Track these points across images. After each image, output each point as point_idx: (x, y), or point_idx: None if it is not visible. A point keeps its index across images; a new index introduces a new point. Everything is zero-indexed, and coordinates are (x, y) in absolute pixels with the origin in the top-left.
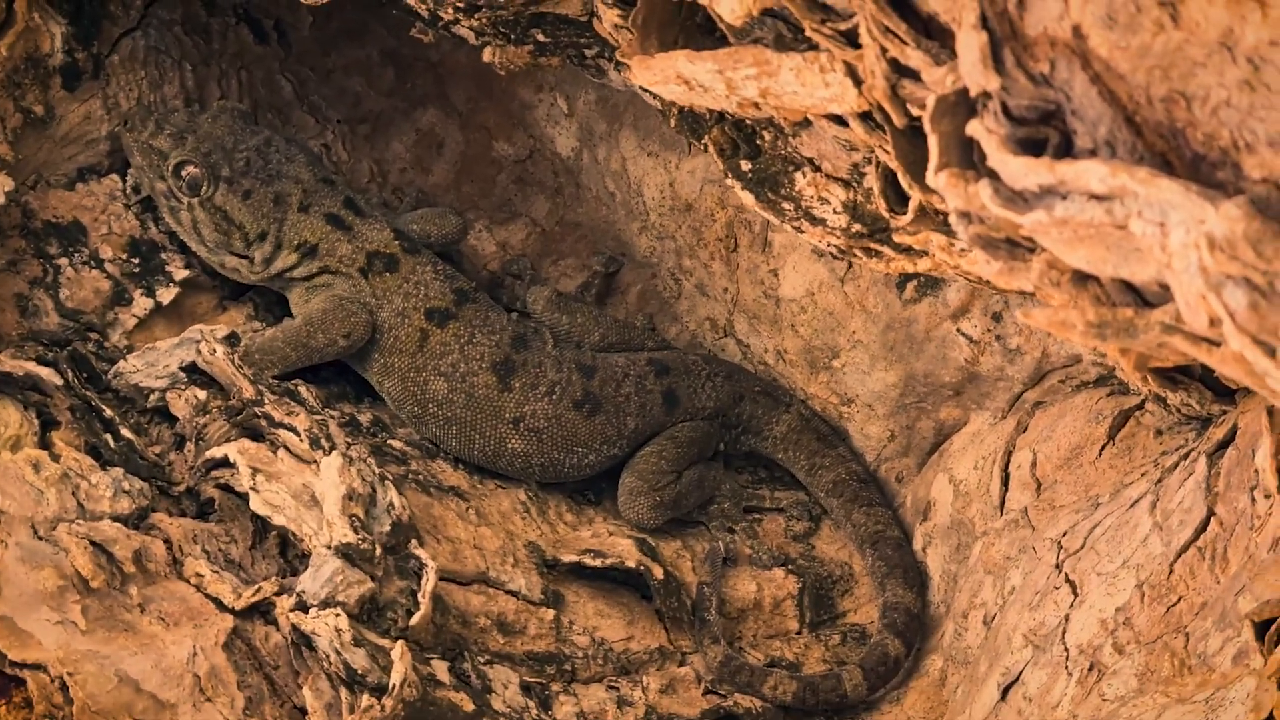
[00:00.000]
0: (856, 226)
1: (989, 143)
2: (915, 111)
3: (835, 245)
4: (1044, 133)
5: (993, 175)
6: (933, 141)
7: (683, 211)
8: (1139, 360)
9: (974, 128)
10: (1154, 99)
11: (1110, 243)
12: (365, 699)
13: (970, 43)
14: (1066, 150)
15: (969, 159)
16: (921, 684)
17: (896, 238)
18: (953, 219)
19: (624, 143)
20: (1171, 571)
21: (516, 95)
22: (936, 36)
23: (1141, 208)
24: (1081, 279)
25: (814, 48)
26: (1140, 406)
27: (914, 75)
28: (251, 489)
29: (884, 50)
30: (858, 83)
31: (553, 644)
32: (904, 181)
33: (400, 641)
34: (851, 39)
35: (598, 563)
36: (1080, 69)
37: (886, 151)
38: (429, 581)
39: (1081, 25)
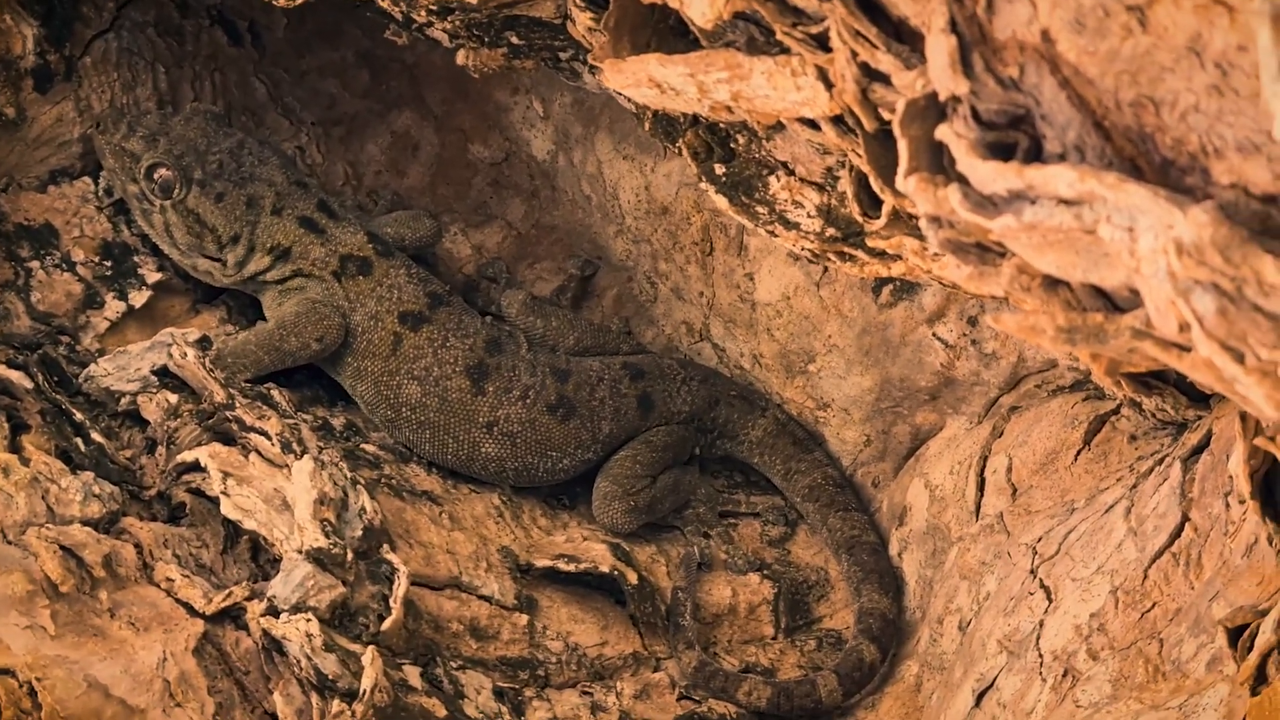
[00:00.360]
0: (830, 230)
1: (958, 147)
2: (886, 115)
3: (809, 249)
4: (1013, 137)
5: (962, 180)
6: (902, 146)
7: (659, 215)
8: (1110, 365)
9: (943, 132)
10: (1122, 104)
11: (1079, 248)
12: (336, 704)
13: (939, 47)
14: (1036, 155)
15: (939, 163)
16: (897, 690)
17: (870, 241)
18: (923, 223)
19: (600, 146)
20: (1146, 577)
21: (492, 98)
22: (907, 40)
23: (1110, 213)
24: (1052, 284)
25: (785, 51)
26: (1116, 412)
27: (884, 79)
28: (222, 493)
29: (854, 54)
30: (829, 86)
31: (526, 649)
32: (876, 185)
33: (371, 647)
34: (822, 43)
35: (571, 567)
36: (1049, 73)
37: (859, 155)
38: (401, 586)
39: (1050, 29)
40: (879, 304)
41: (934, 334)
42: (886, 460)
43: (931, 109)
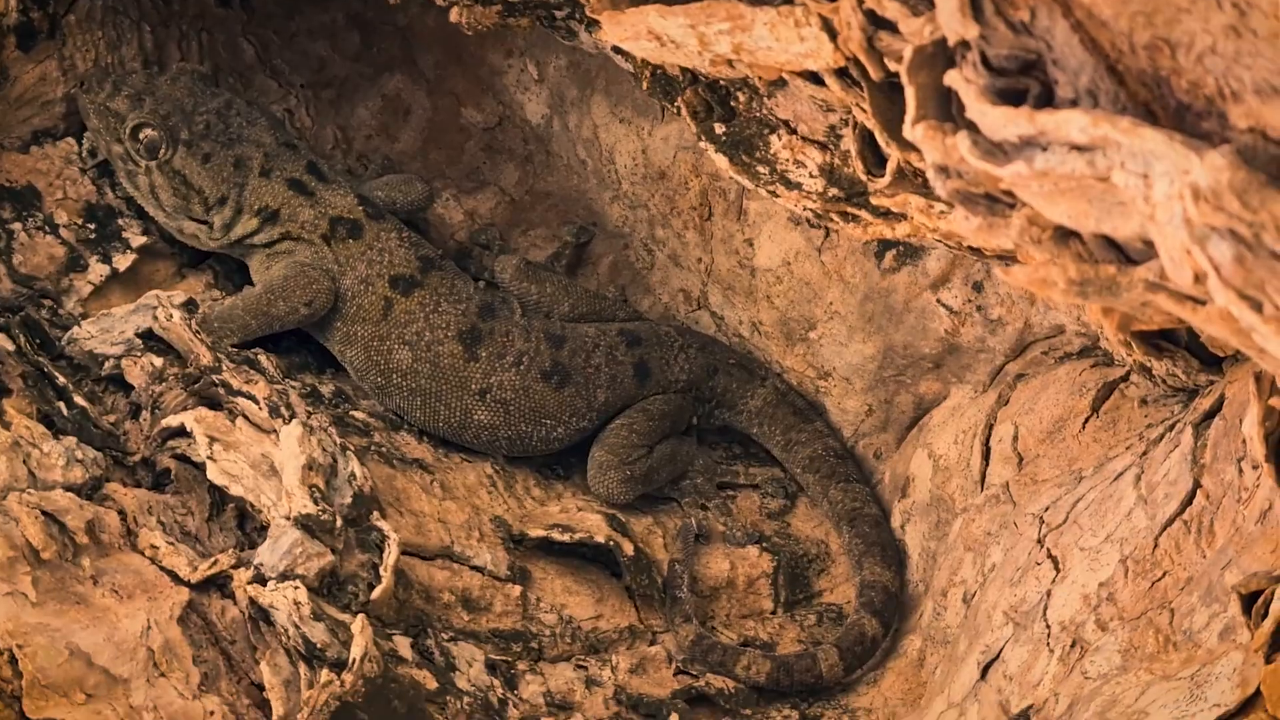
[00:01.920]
0: (833, 190)
1: (967, 93)
2: (892, 66)
3: (811, 210)
4: (1024, 83)
5: (971, 127)
6: (910, 93)
7: (656, 180)
8: (1122, 321)
9: (952, 78)
10: (1137, 46)
11: (1092, 196)
12: (325, 674)
13: None
14: (1047, 101)
15: (947, 111)
16: (899, 665)
17: (874, 200)
18: (930, 173)
19: (595, 109)
20: (1156, 546)
21: (485, 61)
22: None
23: (1124, 159)
24: (1063, 235)
25: (789, 1)
26: (1125, 378)
27: (891, 27)
28: (208, 458)
29: (860, 1)
30: (833, 36)
31: (519, 621)
32: (881, 140)
33: (361, 615)
34: None
35: (566, 538)
36: (1061, 16)
37: (863, 110)
38: (391, 555)
39: None
40: (882, 269)
41: (938, 300)
42: (889, 430)
43: (939, 56)
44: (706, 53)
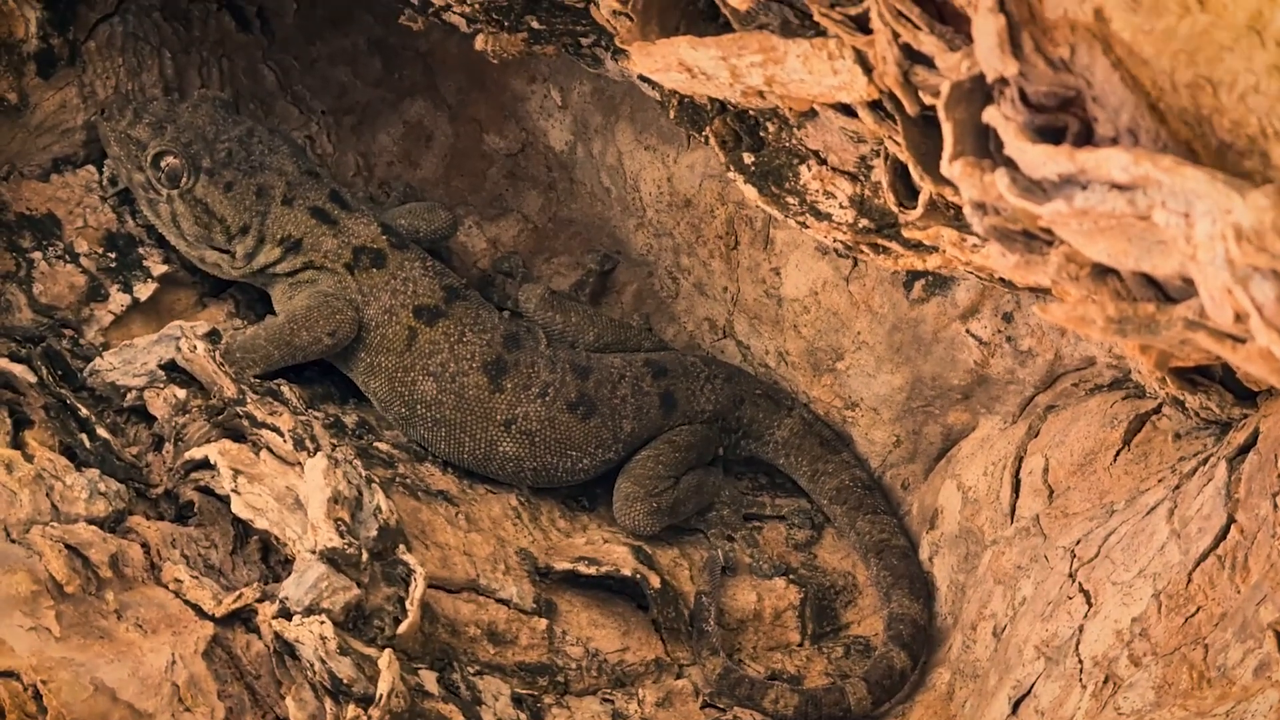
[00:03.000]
0: (864, 221)
1: (1006, 130)
2: (928, 100)
3: (841, 241)
4: (1063, 120)
5: (1010, 164)
6: (947, 129)
7: (681, 207)
8: (1160, 358)
9: (991, 114)
10: (1179, 85)
11: (1132, 234)
12: (351, 709)
13: (987, 27)
14: (1087, 138)
15: (984, 148)
16: (928, 698)
17: (906, 233)
18: (967, 210)
19: (620, 136)
20: (1190, 581)
21: (508, 87)
22: (950, 21)
23: (1165, 197)
24: (1101, 273)
25: (822, 34)
26: (1157, 410)
27: (927, 62)
28: (233, 491)
29: (896, 35)
30: (868, 70)
31: (545, 655)
32: (915, 173)
33: (387, 650)
34: (862, 24)
35: (592, 571)
36: (1102, 54)
37: (897, 143)
38: (417, 588)
39: (1104, 8)
40: (910, 299)
41: (967, 330)
42: (917, 461)
43: (977, 91)
44: (738, 84)
